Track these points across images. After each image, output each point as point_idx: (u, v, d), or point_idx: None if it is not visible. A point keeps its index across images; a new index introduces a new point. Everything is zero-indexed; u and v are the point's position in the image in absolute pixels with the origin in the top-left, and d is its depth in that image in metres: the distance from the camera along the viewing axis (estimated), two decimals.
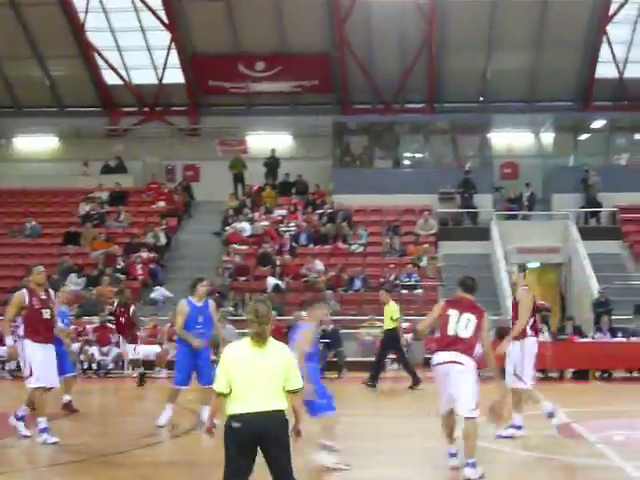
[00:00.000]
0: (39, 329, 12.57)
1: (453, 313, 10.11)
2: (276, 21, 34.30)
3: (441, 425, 10.29)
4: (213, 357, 14.29)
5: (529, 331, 12.59)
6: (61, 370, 13.71)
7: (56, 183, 35.28)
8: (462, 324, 10.00)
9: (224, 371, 6.91)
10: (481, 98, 36.02)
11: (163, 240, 31.46)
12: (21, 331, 12.74)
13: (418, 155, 36.84)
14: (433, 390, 11.22)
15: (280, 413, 6.81)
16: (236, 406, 6.78)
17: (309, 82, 36.01)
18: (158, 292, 28.22)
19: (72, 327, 19.51)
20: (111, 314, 22.92)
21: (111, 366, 24.58)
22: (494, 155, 34.97)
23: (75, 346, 24.32)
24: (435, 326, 10.90)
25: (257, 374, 6.81)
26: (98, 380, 23.78)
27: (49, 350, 12.65)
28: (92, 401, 20.52)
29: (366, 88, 35.87)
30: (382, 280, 28.32)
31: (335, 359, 23.99)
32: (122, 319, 21.22)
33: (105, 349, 24.58)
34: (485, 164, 34.64)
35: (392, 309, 20.93)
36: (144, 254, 29.95)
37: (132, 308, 21.39)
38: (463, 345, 9.91)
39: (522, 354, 12.48)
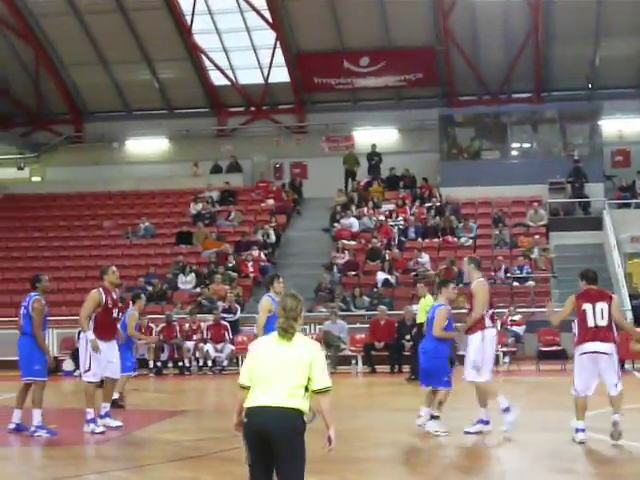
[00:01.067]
0: (108, 327, 13.26)
1: (588, 307, 11.40)
2: (379, 16, 34.28)
3: (575, 405, 11.42)
4: None
5: (488, 322, 12.25)
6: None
7: (167, 184, 36.03)
8: (598, 314, 11.33)
9: (248, 364, 6.49)
10: (590, 85, 35.35)
11: (273, 237, 31.79)
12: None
13: (526, 145, 36.35)
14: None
15: (291, 411, 6.22)
16: (249, 400, 6.33)
17: (414, 76, 35.90)
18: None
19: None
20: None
21: (225, 363, 24.96)
22: (604, 143, 34.25)
23: (190, 344, 24.91)
24: (566, 319, 12.11)
25: (276, 368, 6.31)
26: (213, 377, 24.17)
27: (113, 347, 13.40)
28: (208, 398, 20.92)
29: (471, 79, 35.59)
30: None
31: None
32: None
33: (219, 346, 24.99)
34: (595, 152, 33.96)
35: (428, 303, 20.53)
36: (255, 252, 30.32)
37: None
38: (603, 333, 11.29)
39: (483, 346, 12.15)
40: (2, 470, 10.69)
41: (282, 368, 6.29)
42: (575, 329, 11.66)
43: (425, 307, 20.35)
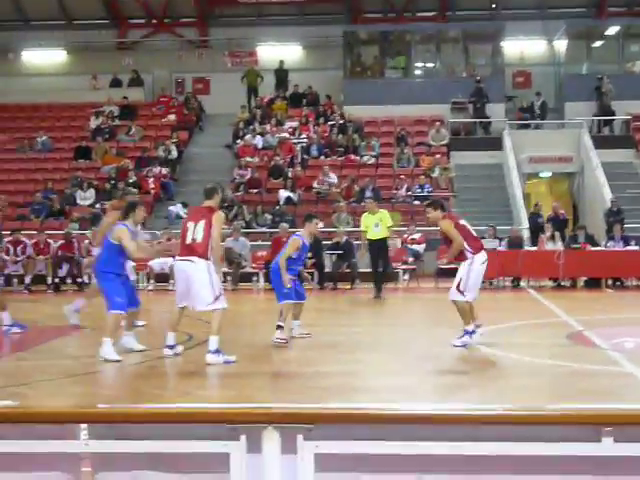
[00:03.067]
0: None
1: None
2: None
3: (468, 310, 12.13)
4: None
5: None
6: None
7: (65, 97, 35.13)
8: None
9: None
10: (493, 5, 35.47)
11: (174, 154, 31.41)
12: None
13: (429, 65, 36.46)
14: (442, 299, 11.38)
15: None
16: None
17: None
18: (175, 208, 28.00)
19: None
20: None
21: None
22: (506, 64, 34.58)
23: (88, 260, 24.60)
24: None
25: None
26: None
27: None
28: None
29: None
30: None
31: (348, 270, 24.08)
32: None
33: None
34: (497, 73, 34.27)
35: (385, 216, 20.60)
36: (156, 168, 29.92)
37: None
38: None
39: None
40: None
41: None
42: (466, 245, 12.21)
43: (380, 222, 20.32)
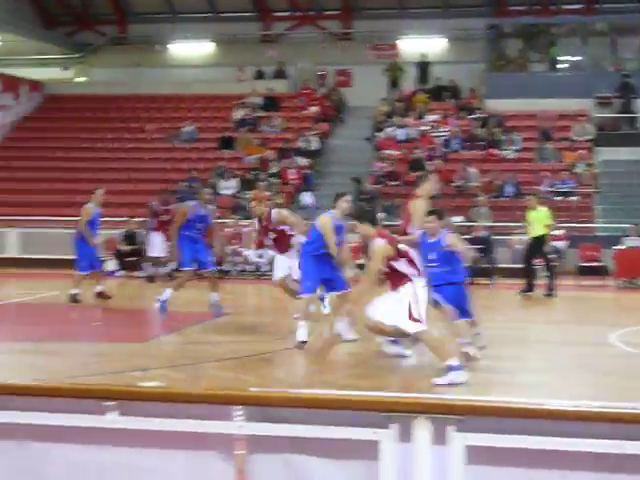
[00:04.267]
0: None
1: None
2: None
3: None
4: None
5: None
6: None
7: (211, 89, 35.84)
8: None
9: None
10: None
11: (315, 145, 31.71)
12: None
13: (575, 58, 35.72)
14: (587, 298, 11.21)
15: None
16: None
17: None
18: (309, 198, 28.39)
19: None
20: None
21: (266, 268, 25.06)
22: None
23: (230, 248, 25.11)
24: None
25: None
26: (252, 281, 24.35)
27: None
28: (247, 301, 21.16)
29: None
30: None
31: (487, 265, 23.85)
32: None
33: (260, 252, 25.11)
34: None
35: (541, 214, 20.38)
36: (297, 159, 30.27)
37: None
38: None
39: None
40: (47, 364, 10.92)
41: None
42: None
43: (537, 219, 20.22)
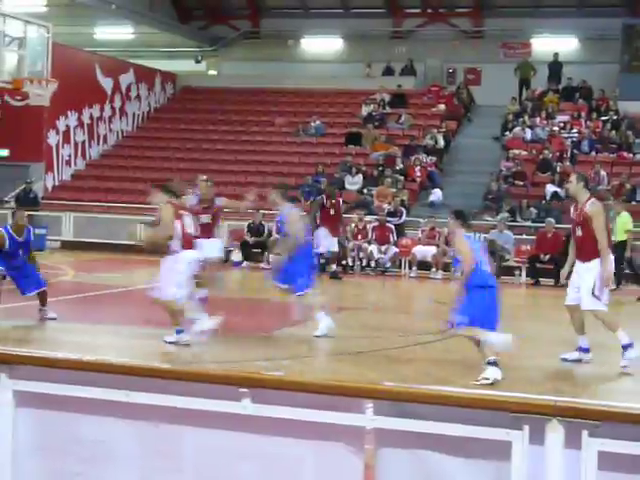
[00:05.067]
0: None
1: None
2: None
3: None
4: None
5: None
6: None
7: (339, 84, 36.01)
8: None
9: None
10: None
11: (442, 143, 31.55)
12: None
13: None
14: None
15: None
16: None
17: None
18: (435, 195, 28.31)
19: None
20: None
21: (388, 265, 25.12)
22: None
23: (354, 243, 25.20)
24: None
25: None
26: (375, 277, 24.40)
27: None
28: (369, 297, 21.21)
29: None
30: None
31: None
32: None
33: (383, 248, 25.16)
34: None
35: (624, 220, 19.97)
36: (423, 157, 30.18)
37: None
38: None
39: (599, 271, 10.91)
40: (175, 350, 11.18)
41: None
42: None
43: (622, 225, 19.90)
